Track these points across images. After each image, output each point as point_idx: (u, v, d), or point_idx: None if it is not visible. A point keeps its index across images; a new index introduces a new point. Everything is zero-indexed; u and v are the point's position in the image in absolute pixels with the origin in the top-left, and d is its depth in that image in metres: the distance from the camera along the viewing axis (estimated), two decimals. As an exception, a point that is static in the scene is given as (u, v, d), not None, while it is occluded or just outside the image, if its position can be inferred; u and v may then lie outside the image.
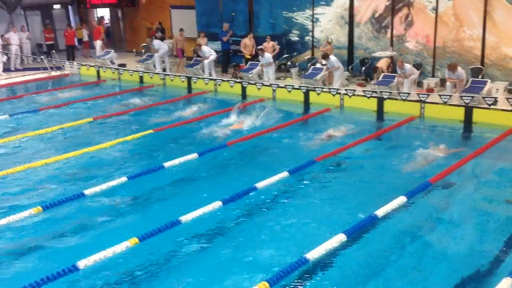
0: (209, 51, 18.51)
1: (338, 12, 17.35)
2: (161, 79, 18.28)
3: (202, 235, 7.56)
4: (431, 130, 12.50)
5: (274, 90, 15.53)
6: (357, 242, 7.21)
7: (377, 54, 16.18)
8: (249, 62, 17.96)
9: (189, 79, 17.67)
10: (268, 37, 17.92)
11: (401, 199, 8.10)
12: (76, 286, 6.35)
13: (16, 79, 19.96)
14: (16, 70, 21.84)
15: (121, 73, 19.52)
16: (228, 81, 16.78)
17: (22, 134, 12.50)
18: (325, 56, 15.91)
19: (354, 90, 14.26)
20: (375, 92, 13.98)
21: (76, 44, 24.28)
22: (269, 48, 17.52)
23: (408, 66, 14.63)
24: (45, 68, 20.36)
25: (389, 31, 16.29)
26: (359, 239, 7.29)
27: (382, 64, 15.72)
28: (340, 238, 6.96)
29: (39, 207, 8.15)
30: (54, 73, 20.36)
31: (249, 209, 8.41)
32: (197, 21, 21.32)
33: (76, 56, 23.73)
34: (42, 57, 20.87)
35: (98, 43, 23.15)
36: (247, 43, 18.31)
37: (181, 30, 20.01)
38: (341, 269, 6.69)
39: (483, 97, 12.70)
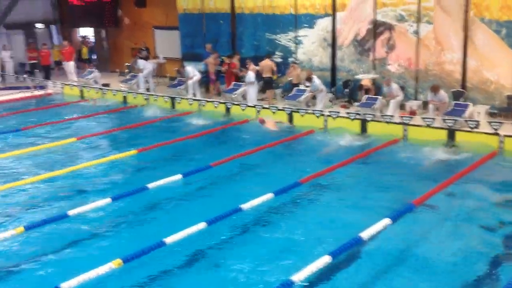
0: (193, 72, 18.57)
1: (320, 34, 17.55)
2: (145, 99, 18.27)
3: (187, 256, 7.52)
4: (414, 152, 12.60)
5: (258, 111, 15.59)
6: (343, 264, 7.22)
7: (360, 76, 16.37)
8: (233, 83, 18.04)
9: (172, 99, 17.68)
10: (249, 60, 17.98)
11: (386, 221, 8.13)
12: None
13: (-2, 98, 19.82)
14: (-2, 89, 21.68)
15: (105, 93, 19.45)
16: (212, 101, 16.82)
17: (3, 153, 12.36)
18: (309, 79, 16.06)
19: (338, 112, 14.38)
20: (359, 114, 14.11)
21: (52, 64, 23.98)
22: (268, 66, 17.53)
23: (395, 85, 14.84)
24: (27, 87, 20.22)
25: (371, 54, 16.51)
26: (345, 260, 7.30)
27: (365, 82, 15.89)
28: (326, 259, 6.96)
29: (21, 227, 8.04)
30: (37, 92, 20.23)
31: (233, 230, 8.38)
32: (181, 42, 21.42)
33: (53, 75, 23.46)
34: (25, 76, 20.73)
35: (70, 64, 22.67)
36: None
37: (215, 52, 19.28)
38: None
39: (466, 120, 12.89)
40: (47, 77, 22.67)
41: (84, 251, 7.80)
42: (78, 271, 6.65)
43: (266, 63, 17.57)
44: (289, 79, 17.66)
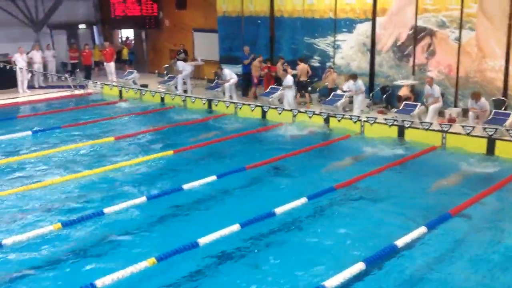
0: (230, 74, 18.68)
1: (360, 39, 17.42)
2: (182, 100, 18.43)
3: (219, 257, 7.55)
4: (453, 161, 12.37)
5: (294, 115, 15.55)
6: (376, 271, 7.14)
7: (398, 82, 16.19)
8: (270, 86, 18.06)
9: (209, 101, 17.80)
10: (286, 64, 17.97)
11: (421, 230, 8.01)
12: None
13: (40, 96, 20.28)
14: (40, 87, 22.19)
15: (143, 94, 19.72)
16: (249, 104, 16.86)
17: (43, 151, 12.65)
18: (354, 77, 15.98)
19: (376, 118, 14.23)
20: (396, 120, 13.94)
21: (92, 64, 24.42)
22: (304, 70, 17.55)
23: (437, 87, 14.63)
24: (68, 86, 20.65)
25: (411, 59, 16.30)
26: (379, 268, 7.21)
27: (404, 92, 15.71)
28: (360, 266, 6.89)
29: (59, 224, 8.21)
30: (78, 92, 20.64)
31: (266, 233, 8.37)
32: (219, 44, 21.55)
33: (93, 75, 23.93)
34: (66, 75, 21.18)
35: (111, 65, 23.06)
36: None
37: (260, 55, 19.06)
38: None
39: (507, 130, 12.58)
40: (87, 77, 23.13)
41: (119, 249, 7.91)
42: (113, 269, 6.75)
43: (303, 67, 17.56)
44: (325, 83, 17.60)
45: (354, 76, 16.18)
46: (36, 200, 9.69)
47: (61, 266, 7.40)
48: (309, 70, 17.69)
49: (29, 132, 14.36)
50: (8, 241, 7.65)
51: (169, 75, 21.31)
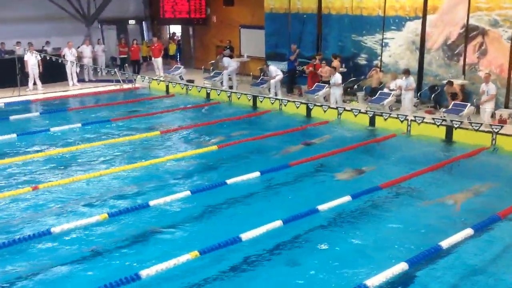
0: (276, 71, 18.68)
1: (409, 37, 17.13)
2: (228, 96, 18.54)
3: (261, 253, 7.57)
4: (502, 163, 12.04)
5: (340, 113, 15.43)
6: (419, 272, 7.02)
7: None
8: (316, 84, 17.97)
9: (254, 97, 17.84)
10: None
11: (467, 232, 7.84)
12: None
13: (90, 89, 20.77)
14: (90, 81, 22.73)
15: (190, 89, 19.93)
16: (294, 101, 16.82)
17: (93, 142, 12.96)
18: (407, 72, 15.78)
19: (423, 118, 13.97)
20: (445, 120, 13.66)
21: (140, 59, 24.82)
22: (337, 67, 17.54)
23: (492, 85, 14.29)
24: (117, 81, 21.07)
25: (461, 59, 15.92)
26: (421, 269, 7.09)
27: (455, 87, 15.36)
28: (402, 266, 6.80)
29: (105, 214, 8.40)
30: (126, 86, 21.03)
31: (308, 230, 8.34)
32: (265, 41, 21.57)
33: (141, 70, 24.33)
34: (115, 69, 21.61)
35: (158, 60, 23.31)
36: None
37: (376, 67, 17.78)
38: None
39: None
40: (135, 71, 23.54)
41: (163, 241, 8.02)
42: (156, 260, 6.87)
43: (336, 64, 17.66)
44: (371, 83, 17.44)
45: (406, 72, 15.90)
46: (84, 191, 9.94)
47: (106, 255, 7.56)
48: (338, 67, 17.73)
49: (79, 124, 14.72)
50: (56, 229, 7.90)
51: (215, 71, 21.48)
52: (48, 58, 20.12)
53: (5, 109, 17.14)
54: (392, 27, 17.49)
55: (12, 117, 15.62)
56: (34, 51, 20.29)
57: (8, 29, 22.58)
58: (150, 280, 6.60)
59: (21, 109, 17.01)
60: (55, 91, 20.05)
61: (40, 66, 20.17)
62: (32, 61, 19.91)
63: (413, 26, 16.96)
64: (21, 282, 6.83)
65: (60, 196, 9.64)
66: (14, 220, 8.64)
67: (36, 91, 19.92)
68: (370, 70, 17.71)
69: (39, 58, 20.05)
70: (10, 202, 9.26)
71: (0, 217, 8.76)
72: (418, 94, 16.77)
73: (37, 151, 12.30)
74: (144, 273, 6.52)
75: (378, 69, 17.51)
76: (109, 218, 8.36)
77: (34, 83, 20.30)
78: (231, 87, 20.19)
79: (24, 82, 19.79)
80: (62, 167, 11.31)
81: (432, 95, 16.39)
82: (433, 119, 13.90)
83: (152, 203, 8.90)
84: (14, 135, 13.53)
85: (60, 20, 23.69)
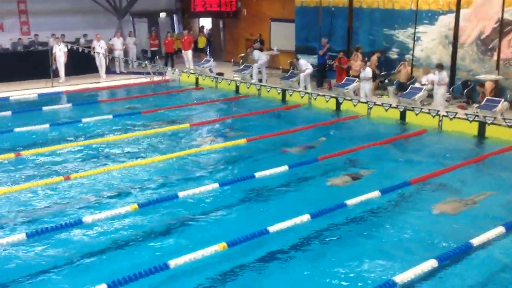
0: (306, 65, 18.59)
1: (442, 31, 16.87)
2: (257, 89, 18.54)
3: (288, 246, 7.57)
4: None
5: (370, 108, 15.30)
6: (448, 270, 6.94)
7: (481, 76, 15.55)
8: (346, 77, 17.84)
9: (284, 91, 17.80)
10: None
11: (499, 230, 7.71)
12: (165, 285, 6.55)
13: (120, 82, 21.00)
14: (121, 73, 22.98)
15: (219, 82, 19.99)
16: (323, 95, 16.73)
17: (124, 134, 13.11)
18: (440, 67, 15.56)
19: (456, 113, 13.76)
20: (478, 115, 13.42)
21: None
22: (373, 61, 17.37)
23: None
24: (148, 73, 21.26)
25: (495, 54, 15.62)
26: (451, 266, 7.01)
27: (487, 85, 15.08)
28: (431, 263, 6.73)
29: (135, 205, 8.50)
30: (156, 78, 21.20)
31: (336, 225, 8.30)
32: (296, 34, 21.48)
33: (176, 63, 24.53)
34: (146, 62, 21.80)
35: (188, 53, 23.45)
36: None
37: (404, 61, 17.61)
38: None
39: None
40: (168, 64, 23.71)
41: (191, 232, 8.08)
42: (185, 250, 6.93)
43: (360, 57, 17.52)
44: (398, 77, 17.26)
45: (439, 66, 15.66)
46: (114, 181, 10.06)
47: (136, 245, 7.66)
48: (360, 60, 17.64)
49: (110, 116, 14.90)
50: (87, 218, 8.02)
51: (244, 64, 21.48)
52: (75, 49, 20.29)
53: (38, 100, 17.45)
54: (425, 21, 17.24)
55: (45, 108, 15.90)
56: (62, 42, 20.51)
57: (42, 22, 23.03)
58: (178, 270, 6.67)
59: (53, 100, 17.30)
60: (86, 83, 20.30)
61: (65, 58, 20.30)
62: (58, 53, 20.13)
63: (446, 20, 16.69)
64: (53, 270, 6.96)
65: (91, 186, 9.79)
66: (46, 209, 8.80)
67: (68, 83, 20.16)
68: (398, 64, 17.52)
69: (65, 50, 20.26)
70: (42, 191, 9.44)
71: (33, 206, 8.94)
72: (451, 89, 16.52)
73: (69, 141, 12.51)
74: (173, 262, 6.59)
75: (406, 63, 17.28)
76: (138, 208, 8.45)
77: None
78: (260, 81, 20.18)
79: (56, 73, 20.11)
80: (93, 158, 11.47)
81: (465, 91, 16.12)
82: (466, 114, 13.68)
83: (181, 194, 8.97)
84: (47, 125, 13.78)
85: (92, 13, 23.99)
